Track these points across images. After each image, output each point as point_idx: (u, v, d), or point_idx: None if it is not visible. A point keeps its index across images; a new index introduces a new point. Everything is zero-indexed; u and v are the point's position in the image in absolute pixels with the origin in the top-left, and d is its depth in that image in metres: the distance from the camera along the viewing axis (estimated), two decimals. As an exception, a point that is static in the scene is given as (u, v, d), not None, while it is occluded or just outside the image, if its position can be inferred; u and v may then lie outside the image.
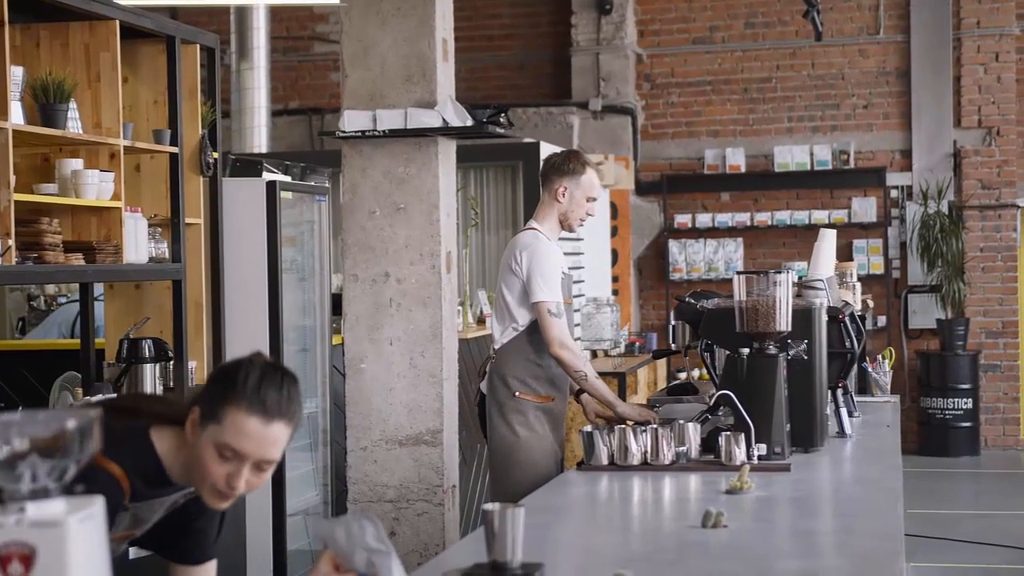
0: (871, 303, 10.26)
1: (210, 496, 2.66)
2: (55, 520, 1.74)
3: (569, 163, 5.41)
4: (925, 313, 12.73)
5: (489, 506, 2.74)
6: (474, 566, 2.79)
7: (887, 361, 6.57)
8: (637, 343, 11.28)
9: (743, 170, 13.03)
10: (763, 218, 12.94)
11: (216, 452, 2.59)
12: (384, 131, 5.91)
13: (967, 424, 12.42)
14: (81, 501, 1.79)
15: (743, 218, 12.97)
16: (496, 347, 5.38)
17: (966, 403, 12.39)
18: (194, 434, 2.63)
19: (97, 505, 1.80)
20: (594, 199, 5.45)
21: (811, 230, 12.72)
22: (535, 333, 5.29)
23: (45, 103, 4.97)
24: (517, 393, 5.28)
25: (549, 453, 5.30)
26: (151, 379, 5.54)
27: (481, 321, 8.07)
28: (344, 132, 5.97)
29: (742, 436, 4.26)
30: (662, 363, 11.51)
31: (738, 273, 4.52)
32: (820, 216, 12.76)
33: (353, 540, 2.53)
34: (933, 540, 8.83)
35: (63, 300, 9.34)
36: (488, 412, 5.37)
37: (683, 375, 12.61)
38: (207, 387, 2.68)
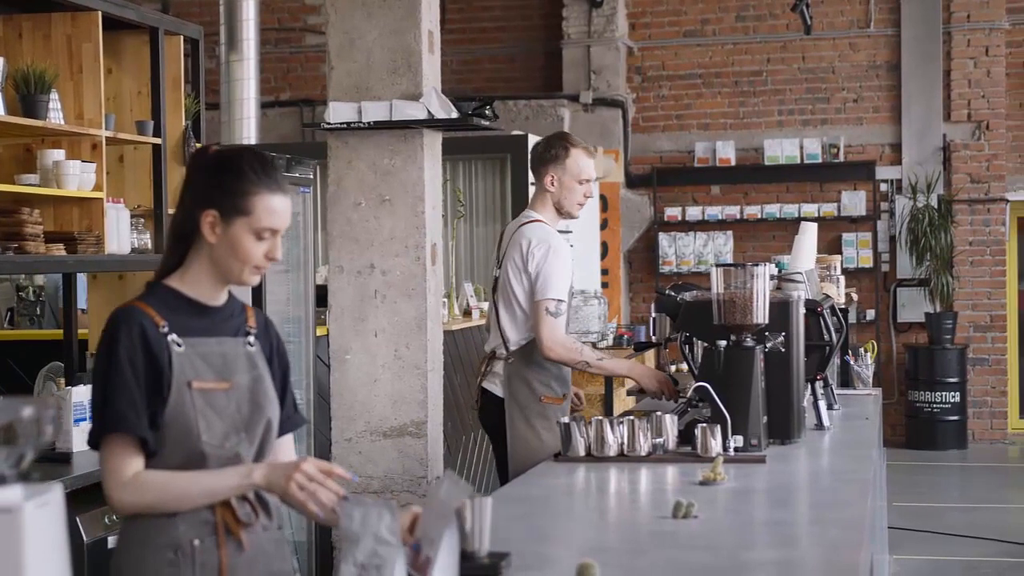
0: (855, 296, 10.28)
1: (247, 275, 2.92)
2: (11, 506, 1.75)
3: (551, 149, 5.28)
4: (914, 307, 12.76)
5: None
6: (441, 555, 2.81)
7: (869, 354, 6.59)
8: (626, 336, 11.29)
9: (733, 163, 13.06)
10: (753, 211, 12.97)
11: (254, 237, 2.87)
12: (369, 123, 5.92)
13: (955, 418, 12.46)
14: (38, 488, 1.81)
15: (733, 211, 13.00)
16: (511, 347, 5.23)
17: (954, 397, 12.42)
18: (216, 234, 2.88)
19: (55, 492, 1.82)
20: (587, 180, 5.28)
21: (800, 224, 12.72)
22: None
23: (26, 94, 4.98)
24: (543, 398, 5.19)
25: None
26: (134, 369, 5.54)
27: (467, 313, 8.08)
28: (329, 124, 5.99)
29: (718, 428, 4.28)
30: (651, 355, 11.53)
31: (716, 265, 4.53)
32: (810, 209, 12.78)
33: (367, 526, 2.58)
34: (919, 533, 8.86)
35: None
36: (509, 416, 5.22)
37: (673, 367, 12.63)
38: (210, 188, 2.89)
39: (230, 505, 2.86)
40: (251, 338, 3.01)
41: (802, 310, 4.76)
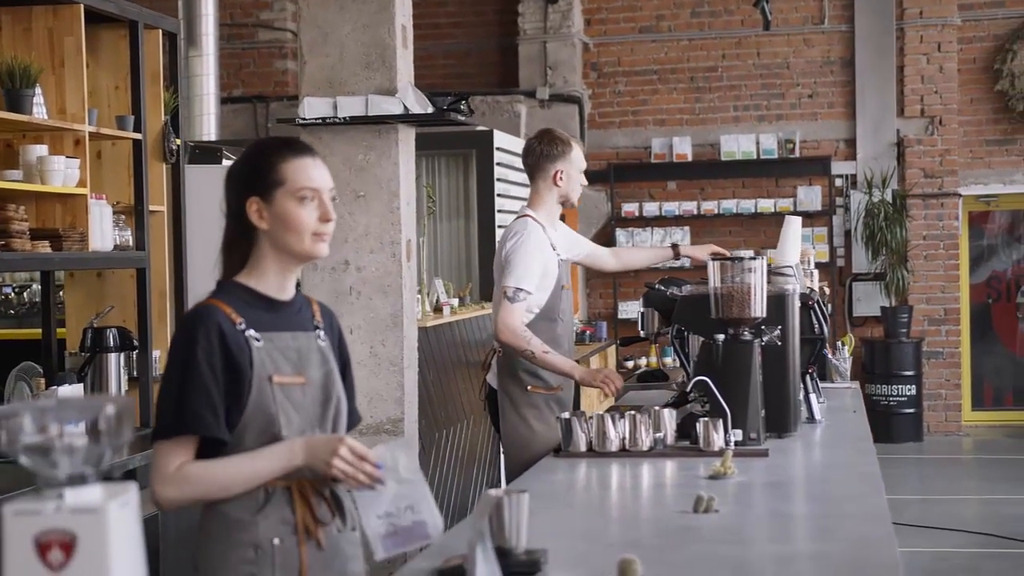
0: (827, 289, 10.35)
1: (312, 245, 2.90)
2: (95, 506, 1.72)
3: (556, 147, 5.41)
4: (869, 301, 12.86)
5: (494, 492, 2.74)
6: (478, 552, 2.78)
7: (847, 348, 6.62)
8: (587, 332, 11.31)
9: (690, 159, 13.08)
10: (710, 207, 13.00)
11: (297, 202, 2.88)
12: (345, 118, 5.87)
13: (910, 410, 12.57)
14: (118, 487, 1.76)
15: (690, 207, 13.03)
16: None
17: (909, 390, 12.53)
18: (265, 217, 2.89)
19: (132, 491, 1.78)
20: (583, 169, 5.52)
21: (757, 219, 12.83)
22: (539, 323, 5.23)
23: (11, 88, 4.89)
24: (529, 387, 5.25)
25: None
26: (115, 368, 5.47)
27: (438, 309, 8.04)
28: (304, 119, 5.93)
29: (720, 422, 4.28)
30: (612, 351, 11.55)
31: (713, 259, 4.53)
32: (766, 205, 12.84)
33: (386, 471, 2.56)
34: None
35: (8, 290, 9.21)
36: (500, 407, 5.30)
37: (630, 364, 12.66)
38: (244, 181, 2.91)
39: (309, 505, 2.85)
40: (321, 332, 3.00)
41: (797, 303, 4.77)
